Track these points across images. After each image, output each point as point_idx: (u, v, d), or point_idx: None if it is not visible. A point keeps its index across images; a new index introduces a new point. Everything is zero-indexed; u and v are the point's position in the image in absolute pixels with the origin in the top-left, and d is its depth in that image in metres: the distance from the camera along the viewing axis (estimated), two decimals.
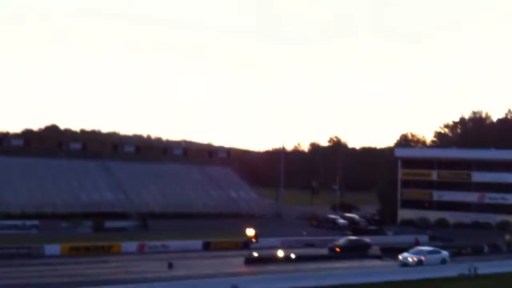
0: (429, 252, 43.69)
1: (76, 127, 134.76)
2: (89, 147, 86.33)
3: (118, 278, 33.49)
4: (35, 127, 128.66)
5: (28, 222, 58.82)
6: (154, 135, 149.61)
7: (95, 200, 69.95)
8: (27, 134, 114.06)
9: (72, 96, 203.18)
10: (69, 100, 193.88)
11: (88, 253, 46.21)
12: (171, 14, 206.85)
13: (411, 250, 44.12)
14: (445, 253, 44.55)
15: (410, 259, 42.24)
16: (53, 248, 45.49)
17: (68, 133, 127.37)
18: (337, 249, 49.35)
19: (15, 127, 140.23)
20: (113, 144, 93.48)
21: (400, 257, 43.21)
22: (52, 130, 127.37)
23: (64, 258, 43.63)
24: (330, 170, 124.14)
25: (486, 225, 74.04)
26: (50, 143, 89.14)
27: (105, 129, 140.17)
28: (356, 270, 39.43)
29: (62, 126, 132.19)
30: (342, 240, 51.22)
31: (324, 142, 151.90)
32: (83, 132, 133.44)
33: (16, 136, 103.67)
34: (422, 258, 42.19)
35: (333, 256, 48.12)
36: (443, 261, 43.35)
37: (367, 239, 52.75)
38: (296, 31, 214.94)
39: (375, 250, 50.24)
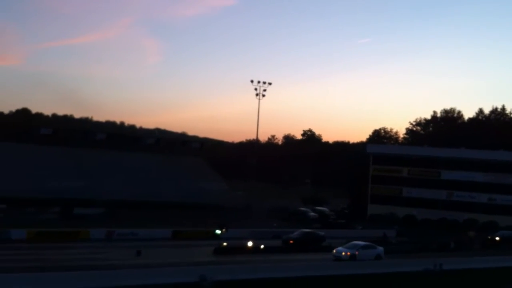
0: (364, 247, 42.45)
1: (48, 111, 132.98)
2: (60, 133, 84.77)
3: (84, 264, 33.12)
4: (6, 110, 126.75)
5: None
6: (127, 122, 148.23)
7: (62, 186, 68.83)
8: None
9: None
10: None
11: (55, 239, 45.56)
12: None
13: (345, 245, 43.11)
14: (380, 249, 43.61)
15: (343, 254, 41.29)
16: (19, 233, 44.81)
17: (39, 117, 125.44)
18: (291, 242, 49.01)
19: None
20: (84, 131, 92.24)
21: (334, 251, 42.42)
22: (23, 114, 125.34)
23: (30, 243, 42.98)
24: (302, 163, 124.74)
25: (453, 223, 75.00)
26: (20, 127, 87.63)
27: (77, 114, 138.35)
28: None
29: (33, 110, 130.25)
30: (296, 233, 50.64)
31: (299, 136, 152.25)
32: (54, 117, 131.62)
33: None
34: (356, 252, 41.27)
35: (286, 248, 47.78)
36: (378, 257, 42.45)
37: (321, 232, 52.43)
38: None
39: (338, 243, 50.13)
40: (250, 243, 45.56)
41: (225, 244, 44.49)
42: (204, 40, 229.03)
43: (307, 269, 35.54)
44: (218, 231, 46.01)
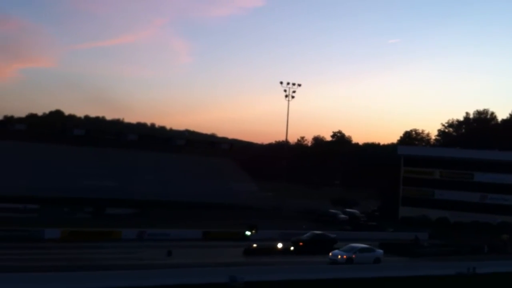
0: (361, 250, 41.12)
1: (80, 113, 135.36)
2: (93, 134, 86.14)
3: (116, 264, 33.52)
4: (40, 112, 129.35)
5: (28, 206, 58.81)
6: (158, 124, 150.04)
7: (95, 186, 69.87)
8: (31, 119, 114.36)
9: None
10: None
11: (88, 238, 46.20)
12: None
13: (342, 248, 41.80)
14: (379, 251, 42.34)
15: (339, 257, 39.96)
16: (53, 232, 45.47)
17: (72, 119, 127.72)
18: (300, 243, 47.85)
19: (19, 112, 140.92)
20: (116, 132, 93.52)
21: (330, 254, 41.11)
22: (56, 115, 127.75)
23: (64, 242, 43.60)
24: (332, 164, 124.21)
25: (486, 226, 73.69)
26: (53, 128, 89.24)
27: (109, 116, 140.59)
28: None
29: (66, 112, 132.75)
30: (306, 235, 49.49)
31: (328, 137, 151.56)
32: (87, 118, 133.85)
33: (20, 120, 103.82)
34: (353, 256, 39.97)
35: (296, 249, 46.79)
36: (377, 260, 40.95)
37: (332, 234, 50.95)
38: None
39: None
40: (280, 245, 45.50)
41: (255, 245, 44.55)
42: (234, 41, 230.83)
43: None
44: (248, 232, 46.12)
